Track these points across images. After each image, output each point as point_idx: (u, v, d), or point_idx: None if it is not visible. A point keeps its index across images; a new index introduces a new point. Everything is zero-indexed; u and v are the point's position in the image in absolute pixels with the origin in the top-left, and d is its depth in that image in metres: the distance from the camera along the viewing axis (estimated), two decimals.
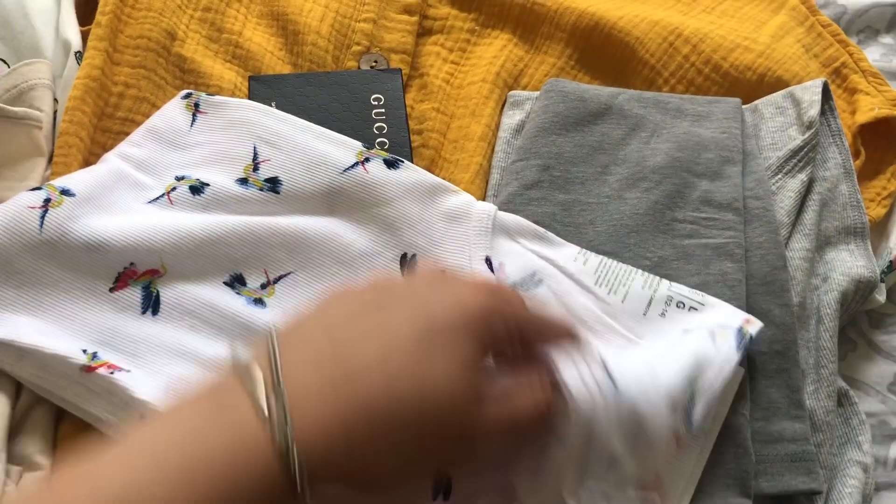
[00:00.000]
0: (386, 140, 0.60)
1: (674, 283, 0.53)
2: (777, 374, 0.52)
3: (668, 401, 0.44)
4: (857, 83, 0.66)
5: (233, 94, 0.61)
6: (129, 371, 0.47)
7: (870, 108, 0.64)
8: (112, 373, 0.47)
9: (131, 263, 0.50)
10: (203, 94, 0.57)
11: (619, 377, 0.42)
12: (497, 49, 0.66)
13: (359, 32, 0.65)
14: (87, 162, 0.56)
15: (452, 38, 0.67)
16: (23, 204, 0.49)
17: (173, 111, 0.57)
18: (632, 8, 0.67)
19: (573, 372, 0.42)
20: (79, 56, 0.59)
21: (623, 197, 0.58)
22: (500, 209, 0.55)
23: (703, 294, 0.52)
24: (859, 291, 0.58)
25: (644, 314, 0.52)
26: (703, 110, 0.61)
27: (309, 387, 0.36)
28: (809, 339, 0.55)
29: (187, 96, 0.57)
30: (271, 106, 0.58)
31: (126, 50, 0.60)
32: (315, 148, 0.55)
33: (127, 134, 0.57)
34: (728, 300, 0.53)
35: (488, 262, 0.53)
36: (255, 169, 0.54)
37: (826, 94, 0.62)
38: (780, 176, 0.59)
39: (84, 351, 0.47)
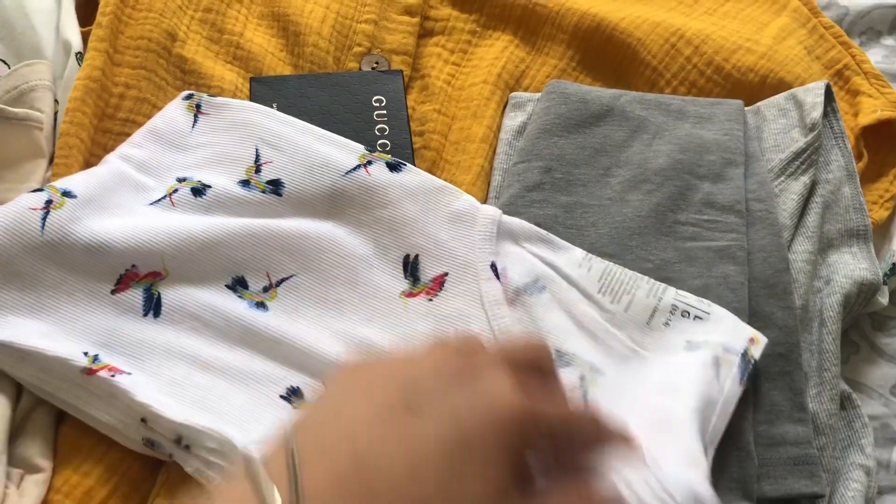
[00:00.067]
0: (388, 142, 0.60)
1: (680, 291, 0.52)
2: (780, 377, 0.52)
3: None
4: (860, 85, 0.66)
5: (234, 96, 0.60)
6: (129, 374, 0.47)
7: (872, 110, 0.64)
8: (113, 376, 0.46)
9: (133, 265, 0.50)
10: (205, 96, 0.57)
11: (675, 489, 0.41)
12: (498, 50, 0.66)
13: (360, 33, 0.65)
14: (88, 163, 0.56)
15: (454, 39, 0.67)
16: (24, 205, 0.49)
17: (175, 112, 0.57)
18: (634, 9, 0.67)
19: (635, 486, 0.39)
20: (79, 57, 0.59)
21: (625, 199, 0.57)
22: (502, 211, 0.55)
23: (710, 303, 0.52)
24: (862, 294, 0.58)
25: (647, 323, 0.51)
26: (706, 112, 0.61)
27: None
28: (812, 341, 0.55)
29: (189, 97, 0.57)
30: (272, 107, 0.58)
31: (126, 51, 0.60)
32: (317, 150, 0.55)
33: (128, 135, 0.57)
34: (730, 303, 0.53)
35: (493, 267, 0.53)
36: (257, 171, 0.54)
37: (829, 96, 0.62)
38: (782, 178, 0.59)
39: (85, 353, 0.47)
